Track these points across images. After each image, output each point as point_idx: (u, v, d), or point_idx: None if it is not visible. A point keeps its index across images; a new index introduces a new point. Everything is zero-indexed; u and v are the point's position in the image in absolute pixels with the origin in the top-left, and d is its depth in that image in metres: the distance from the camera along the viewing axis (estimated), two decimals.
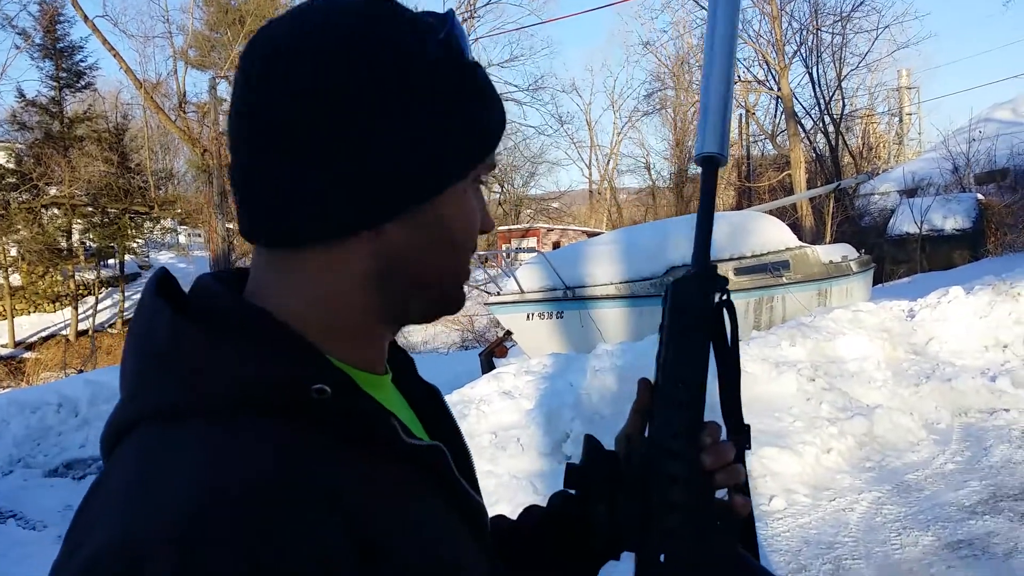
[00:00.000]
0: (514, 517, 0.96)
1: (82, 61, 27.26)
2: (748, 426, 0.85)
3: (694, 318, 0.80)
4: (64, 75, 26.65)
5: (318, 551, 0.54)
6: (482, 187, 0.77)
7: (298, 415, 0.61)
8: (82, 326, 25.22)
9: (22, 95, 26.45)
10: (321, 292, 0.68)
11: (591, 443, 0.84)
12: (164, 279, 0.69)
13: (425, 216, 0.68)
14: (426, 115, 0.66)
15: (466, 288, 0.78)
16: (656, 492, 0.78)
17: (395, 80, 0.65)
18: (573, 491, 0.89)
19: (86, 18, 20.99)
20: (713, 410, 0.81)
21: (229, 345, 0.62)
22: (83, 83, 27.49)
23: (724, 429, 0.84)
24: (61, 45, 26.54)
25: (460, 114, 0.69)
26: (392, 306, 0.71)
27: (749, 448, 0.85)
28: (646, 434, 0.82)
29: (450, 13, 0.71)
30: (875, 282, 14.32)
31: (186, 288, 0.71)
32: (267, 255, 0.69)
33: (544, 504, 0.95)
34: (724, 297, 0.82)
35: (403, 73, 0.65)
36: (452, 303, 0.75)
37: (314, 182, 0.64)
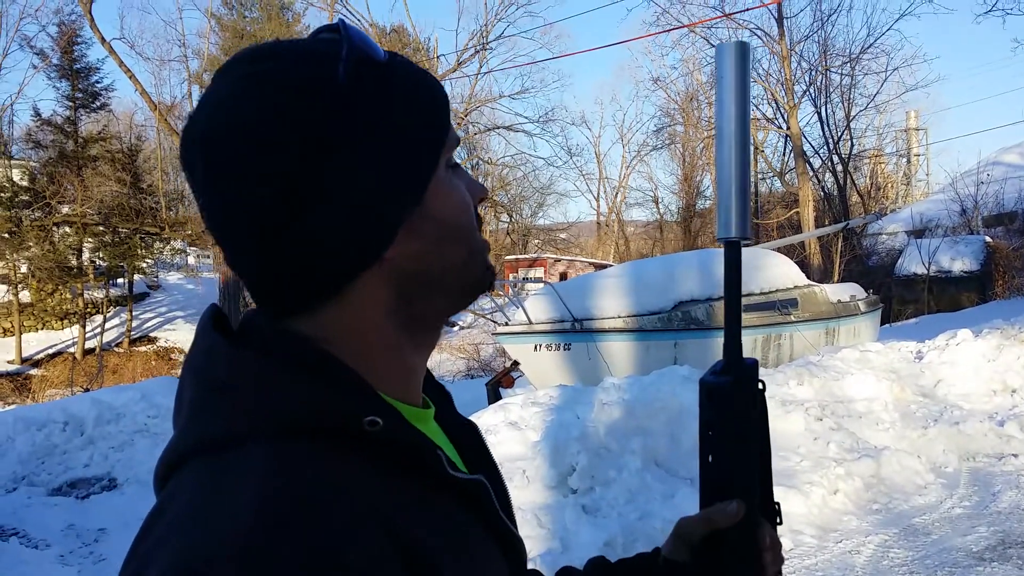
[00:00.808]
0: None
1: (98, 82, 27.54)
2: (778, 504, 0.88)
3: (750, 421, 0.82)
4: (80, 95, 26.88)
5: (376, 567, 0.56)
6: (457, 165, 0.75)
7: (351, 444, 0.63)
8: (89, 344, 25.25)
9: (38, 114, 26.70)
10: (350, 331, 0.69)
11: None
12: (216, 315, 0.72)
13: (420, 222, 0.69)
14: (367, 142, 0.66)
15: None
16: None
17: (321, 126, 0.64)
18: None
19: (103, 40, 21.25)
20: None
21: (287, 377, 0.64)
22: (98, 104, 27.72)
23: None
24: (78, 66, 26.80)
25: (399, 120, 0.68)
26: (420, 313, 0.72)
27: (780, 523, 0.88)
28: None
29: (340, 24, 0.69)
30: (882, 322, 14.30)
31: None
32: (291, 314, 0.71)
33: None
34: (761, 387, 0.85)
35: (325, 114, 0.65)
36: (481, 281, 0.76)
37: (292, 252, 0.66)
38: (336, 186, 0.65)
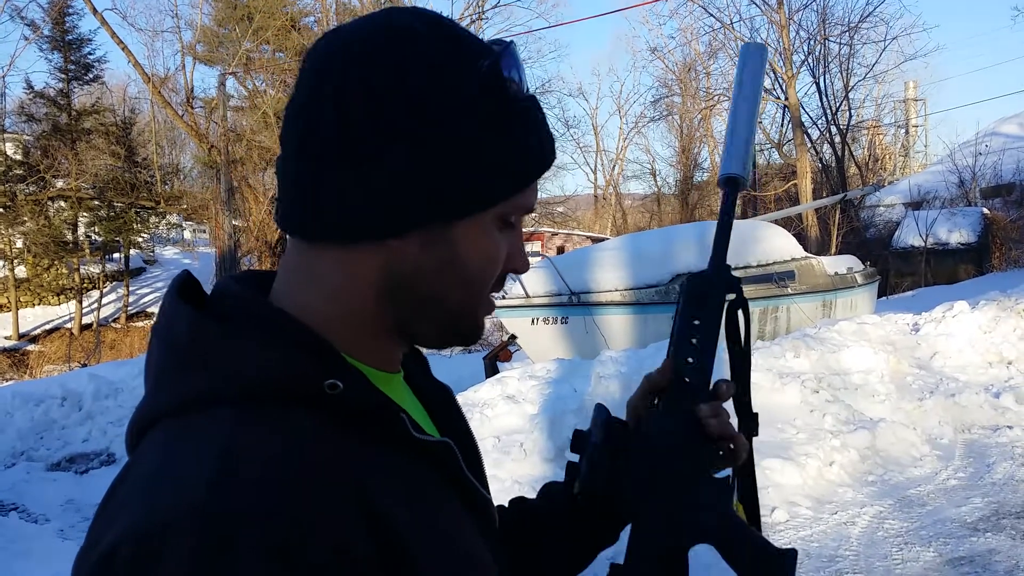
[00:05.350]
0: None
1: (90, 54, 27.32)
2: (756, 414, 0.90)
3: (703, 303, 0.87)
4: (72, 68, 26.66)
5: (337, 527, 0.57)
6: (513, 228, 0.75)
7: (316, 407, 0.64)
8: (86, 320, 25.26)
9: (30, 87, 26.50)
10: (334, 291, 0.70)
11: (600, 411, 0.89)
12: (186, 282, 0.72)
13: (437, 241, 0.69)
14: (446, 143, 0.67)
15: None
16: (654, 453, 0.83)
17: (422, 100, 0.66)
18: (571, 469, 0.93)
19: (95, 11, 21.07)
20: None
21: (245, 341, 0.65)
22: (91, 76, 27.51)
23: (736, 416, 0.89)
24: (70, 37, 26.57)
25: (485, 148, 0.68)
26: (402, 322, 0.72)
27: (756, 434, 0.90)
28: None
29: (509, 44, 0.72)
30: (879, 295, 14.32)
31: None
32: (296, 252, 0.72)
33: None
34: (737, 295, 0.89)
35: (432, 96, 0.66)
36: (465, 333, 0.76)
37: (326, 183, 0.67)
38: (387, 158, 0.66)
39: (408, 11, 0.71)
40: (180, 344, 0.66)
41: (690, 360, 0.85)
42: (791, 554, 0.79)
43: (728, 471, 0.86)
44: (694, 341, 0.85)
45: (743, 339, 0.91)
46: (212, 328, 0.66)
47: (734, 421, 0.87)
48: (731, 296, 0.89)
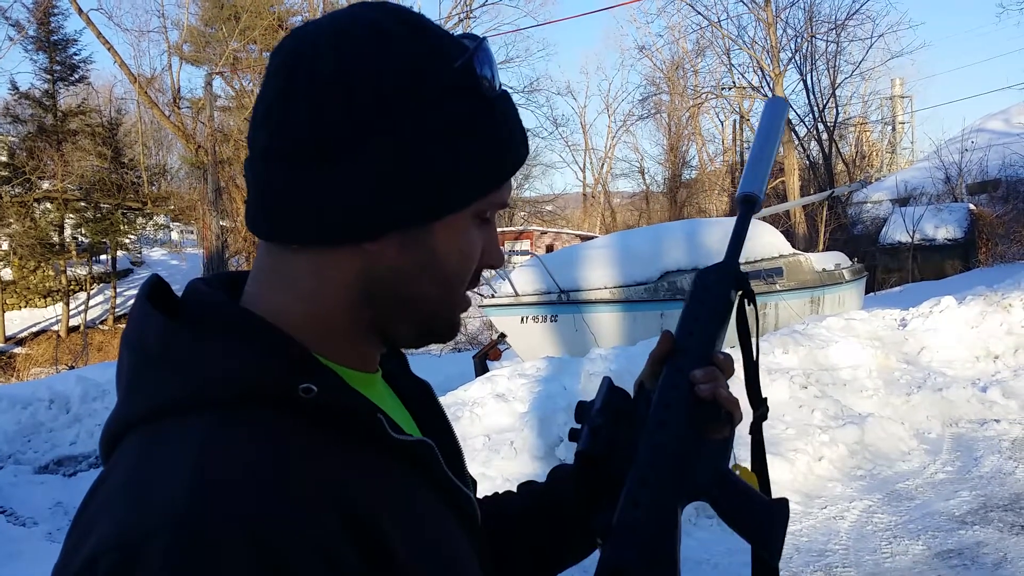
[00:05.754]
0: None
1: (76, 54, 27.16)
2: (765, 398, 0.93)
3: (708, 285, 0.91)
4: (58, 68, 26.49)
5: (318, 533, 0.56)
6: (490, 222, 0.75)
7: (293, 410, 0.63)
8: (73, 322, 25.10)
9: (15, 88, 26.29)
10: (309, 293, 0.69)
11: (605, 382, 0.90)
12: (156, 286, 0.71)
13: (415, 242, 0.68)
14: (422, 141, 0.66)
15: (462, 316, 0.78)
16: (650, 417, 0.84)
17: (397, 99, 0.65)
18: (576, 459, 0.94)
19: (80, 11, 20.92)
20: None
21: (216, 345, 0.64)
22: (77, 77, 27.34)
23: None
24: (55, 38, 26.40)
25: (461, 146, 0.67)
26: (379, 323, 0.72)
27: (766, 418, 0.92)
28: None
29: (481, 41, 0.71)
30: (867, 290, 14.39)
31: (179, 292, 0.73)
32: (267, 254, 0.70)
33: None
34: (745, 288, 0.92)
35: (407, 94, 0.66)
36: (443, 331, 0.75)
37: (299, 184, 0.65)
38: (367, 154, 0.65)
39: (375, 6, 0.70)
40: (151, 350, 0.64)
41: (690, 333, 0.88)
42: (782, 503, 0.80)
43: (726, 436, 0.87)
44: (696, 317, 0.89)
45: (752, 331, 0.95)
46: (183, 333, 0.64)
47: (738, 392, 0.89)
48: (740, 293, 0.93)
